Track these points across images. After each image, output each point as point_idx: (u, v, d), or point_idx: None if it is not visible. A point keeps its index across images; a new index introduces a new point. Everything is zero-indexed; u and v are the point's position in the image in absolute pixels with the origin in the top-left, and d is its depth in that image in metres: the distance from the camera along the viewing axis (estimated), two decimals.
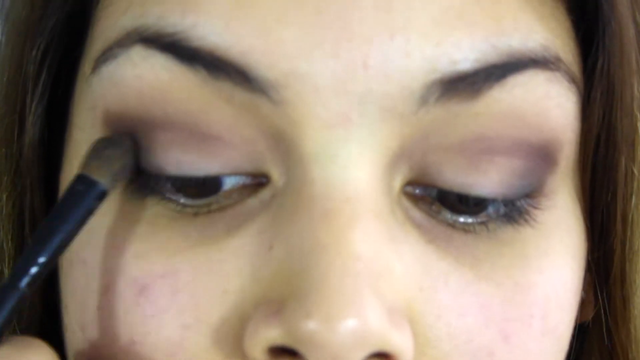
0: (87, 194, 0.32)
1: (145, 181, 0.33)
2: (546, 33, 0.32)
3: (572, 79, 0.33)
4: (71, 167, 0.35)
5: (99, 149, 0.32)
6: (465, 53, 0.31)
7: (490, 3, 0.31)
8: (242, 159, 0.32)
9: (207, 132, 0.32)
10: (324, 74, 0.30)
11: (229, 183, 0.32)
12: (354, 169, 0.31)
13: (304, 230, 0.30)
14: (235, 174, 0.32)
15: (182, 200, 0.32)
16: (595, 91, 0.34)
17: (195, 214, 0.32)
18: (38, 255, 0.30)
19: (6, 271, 0.38)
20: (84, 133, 0.35)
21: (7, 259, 0.38)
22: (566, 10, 0.34)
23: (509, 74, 0.31)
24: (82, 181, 0.32)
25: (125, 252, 0.32)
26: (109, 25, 0.33)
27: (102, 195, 0.32)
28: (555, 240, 0.34)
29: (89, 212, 0.31)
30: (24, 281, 0.30)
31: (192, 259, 0.32)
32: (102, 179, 0.32)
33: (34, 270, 0.30)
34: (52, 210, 0.31)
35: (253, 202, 0.32)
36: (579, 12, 0.34)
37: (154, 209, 0.33)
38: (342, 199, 0.30)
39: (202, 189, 0.32)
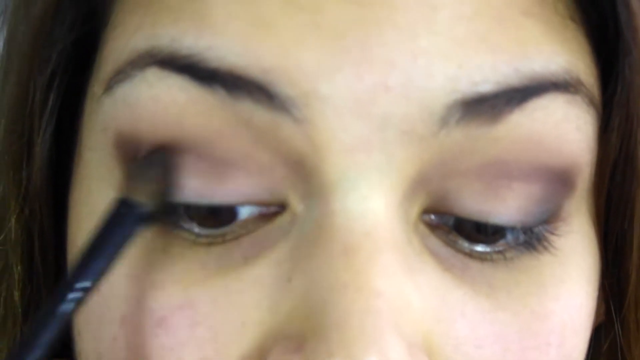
0: (128, 217, 0.31)
1: (158, 209, 0.32)
2: (568, 56, 0.32)
3: (591, 102, 0.33)
4: (82, 188, 0.35)
5: (139, 169, 0.32)
6: (487, 75, 0.30)
7: (514, 27, 0.31)
8: (259, 188, 0.32)
9: (223, 158, 0.31)
10: (345, 97, 0.30)
11: (244, 213, 0.32)
12: (374, 199, 0.30)
13: (324, 266, 0.30)
14: (251, 203, 0.32)
15: (196, 229, 0.32)
16: (614, 118, 0.34)
17: (210, 244, 0.32)
18: (79, 280, 0.30)
19: (16, 294, 0.37)
20: (94, 154, 0.34)
21: (17, 283, 0.37)
22: (587, 35, 0.34)
23: (530, 97, 0.31)
24: (123, 204, 0.31)
25: (142, 282, 0.32)
26: (119, 46, 0.33)
27: (145, 217, 0.31)
28: (572, 266, 0.34)
29: (131, 236, 0.31)
30: (66, 307, 0.30)
31: (210, 289, 0.31)
32: (144, 200, 0.31)
33: (75, 296, 0.30)
34: (92, 234, 0.31)
35: (270, 229, 0.32)
36: (600, 38, 0.34)
37: (167, 237, 0.32)
38: (362, 232, 0.30)
39: (216, 218, 0.32)
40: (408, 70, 0.30)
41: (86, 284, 0.30)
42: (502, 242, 0.32)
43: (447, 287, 0.32)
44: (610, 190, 0.35)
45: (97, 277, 0.30)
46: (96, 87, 0.34)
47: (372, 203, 0.30)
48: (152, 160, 0.32)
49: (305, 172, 0.31)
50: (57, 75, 0.35)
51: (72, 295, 0.30)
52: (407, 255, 0.31)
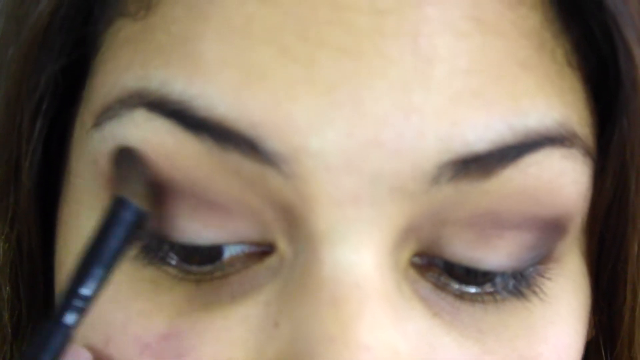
0: (127, 217, 0.31)
1: (146, 244, 0.32)
2: (563, 108, 0.32)
3: (587, 153, 0.32)
4: (70, 212, 0.35)
5: (124, 172, 0.31)
6: (480, 134, 0.30)
7: (510, 81, 0.30)
8: (249, 229, 0.31)
9: (213, 200, 0.31)
10: (336, 152, 0.29)
11: (232, 250, 0.32)
12: (363, 251, 0.30)
13: (311, 315, 0.30)
14: (240, 242, 0.32)
15: (184, 266, 0.32)
16: (610, 164, 0.33)
17: (198, 281, 0.32)
18: (80, 287, 0.30)
19: (5, 315, 0.37)
20: (83, 182, 0.34)
21: (6, 304, 0.37)
22: (585, 79, 0.33)
23: (525, 153, 0.30)
24: (121, 205, 0.31)
25: (128, 308, 0.32)
26: (110, 81, 0.32)
27: (142, 217, 0.31)
28: (562, 306, 0.34)
29: (132, 237, 0.31)
30: (70, 317, 0.30)
31: (196, 323, 0.31)
32: (138, 200, 0.31)
33: (78, 304, 0.30)
34: (92, 236, 0.31)
35: (259, 269, 0.32)
36: (599, 80, 0.33)
37: (156, 272, 0.32)
38: (351, 284, 0.30)
39: (204, 257, 0.32)
40: (400, 128, 0.29)
41: (88, 290, 0.30)
42: (490, 284, 0.32)
43: (436, 333, 0.32)
44: (603, 231, 0.35)
45: (100, 282, 0.30)
46: (86, 116, 0.34)
47: (361, 254, 0.30)
48: (129, 158, 0.31)
49: (293, 221, 0.31)
50: (45, 99, 0.35)
51: (76, 303, 0.30)
52: (396, 304, 0.31)
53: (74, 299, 0.30)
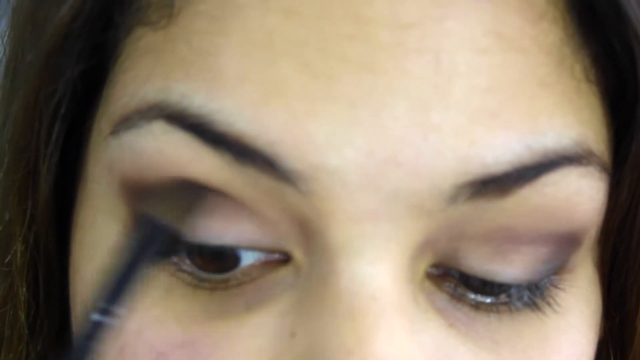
0: (155, 239, 0.31)
1: (161, 250, 0.32)
2: (580, 126, 0.32)
3: (604, 169, 0.32)
4: (85, 217, 0.35)
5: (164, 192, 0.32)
6: (498, 155, 0.30)
7: (528, 99, 0.30)
8: (265, 237, 0.31)
9: (229, 207, 0.31)
10: (354, 170, 0.29)
11: (247, 259, 0.32)
12: (380, 264, 0.30)
13: (328, 327, 0.30)
14: (255, 249, 0.32)
15: (199, 274, 0.32)
16: (625, 178, 0.33)
17: (213, 289, 0.32)
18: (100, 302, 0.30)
19: (22, 315, 0.38)
20: (100, 187, 0.34)
21: (22, 305, 0.38)
22: (602, 93, 0.33)
23: (542, 173, 0.31)
24: (149, 226, 0.31)
25: (142, 316, 0.32)
26: (129, 91, 0.32)
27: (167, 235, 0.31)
28: (575, 316, 0.34)
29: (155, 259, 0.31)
30: (97, 332, 0.30)
31: (211, 332, 0.32)
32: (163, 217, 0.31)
33: (106, 320, 0.30)
34: (120, 256, 0.31)
35: (274, 279, 0.32)
36: (618, 94, 0.33)
37: (170, 277, 0.32)
38: (368, 296, 0.30)
39: (219, 263, 0.32)
40: (419, 147, 0.29)
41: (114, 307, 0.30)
42: (505, 295, 0.33)
43: (452, 344, 0.32)
44: (617, 242, 0.35)
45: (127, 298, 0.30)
46: (103, 123, 0.34)
47: (378, 267, 0.30)
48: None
49: (310, 234, 0.31)
50: (64, 104, 0.35)
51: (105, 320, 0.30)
52: (412, 316, 0.31)
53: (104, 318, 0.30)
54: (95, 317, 0.30)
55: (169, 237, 0.31)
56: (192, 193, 0.31)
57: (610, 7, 0.32)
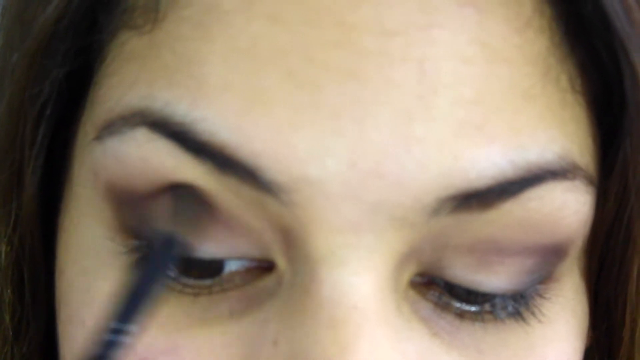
0: (169, 252, 0.31)
1: (144, 255, 0.32)
2: (564, 140, 0.31)
3: (590, 182, 0.32)
4: (71, 219, 0.35)
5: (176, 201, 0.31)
6: (481, 169, 0.30)
7: (511, 113, 0.30)
8: (249, 246, 0.31)
9: (213, 218, 0.31)
10: (336, 181, 0.29)
11: (232, 265, 0.32)
12: (363, 273, 0.30)
13: (310, 336, 0.30)
14: (239, 257, 0.32)
15: (183, 279, 0.32)
16: (612, 185, 0.33)
17: (196, 295, 0.32)
18: (118, 322, 0.30)
19: (6, 317, 0.38)
20: (85, 190, 0.34)
21: (7, 307, 0.38)
22: (588, 103, 0.33)
23: (526, 188, 0.30)
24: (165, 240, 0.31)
25: None
26: (114, 97, 0.32)
27: (178, 247, 0.31)
28: (560, 325, 0.34)
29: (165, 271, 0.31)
30: (112, 352, 0.29)
31: (194, 339, 0.32)
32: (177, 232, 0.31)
33: (122, 339, 0.29)
34: (133, 274, 0.30)
35: (258, 287, 0.32)
36: (602, 102, 0.33)
37: None
38: (350, 305, 0.30)
39: (203, 270, 0.32)
40: (402, 160, 0.29)
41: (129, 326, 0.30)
42: (489, 304, 0.32)
43: (435, 353, 0.32)
44: (604, 251, 0.35)
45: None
46: (88, 126, 0.34)
47: (360, 277, 0.30)
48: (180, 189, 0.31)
49: (292, 243, 0.31)
50: (49, 105, 0.35)
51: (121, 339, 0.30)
52: (395, 325, 0.31)
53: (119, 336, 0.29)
54: (111, 337, 0.29)
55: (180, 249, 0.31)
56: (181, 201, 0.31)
57: (597, 15, 0.31)
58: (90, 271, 0.33)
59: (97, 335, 0.29)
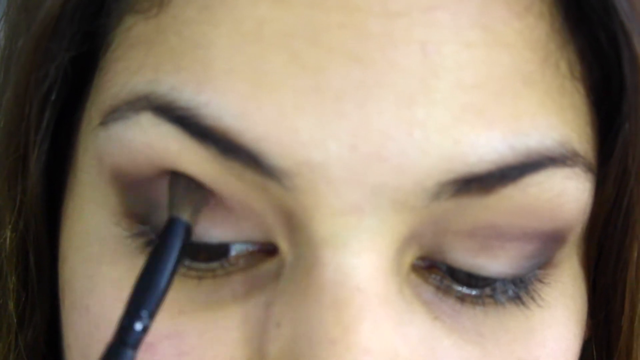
0: (179, 236, 0.31)
1: (150, 240, 0.33)
2: (564, 127, 0.32)
3: (589, 169, 0.32)
4: (74, 206, 0.35)
5: (176, 186, 0.32)
6: (482, 154, 0.30)
7: (511, 99, 0.30)
8: (253, 229, 0.32)
9: (218, 202, 0.31)
10: (338, 165, 0.30)
11: (236, 249, 0.32)
12: (365, 255, 0.30)
13: (313, 317, 0.30)
14: (243, 241, 0.32)
15: (187, 262, 0.32)
16: (611, 171, 0.33)
17: (200, 278, 0.32)
18: (141, 309, 0.30)
19: (10, 304, 0.38)
20: (89, 176, 0.34)
21: (11, 293, 0.38)
22: (587, 89, 0.33)
23: (526, 173, 0.31)
24: (174, 225, 0.31)
25: None
26: (119, 82, 0.32)
27: (188, 231, 0.31)
28: (559, 310, 0.34)
29: (181, 254, 0.31)
30: (132, 338, 0.30)
31: (198, 323, 0.32)
32: (185, 215, 0.31)
33: (139, 327, 0.30)
34: (149, 258, 0.31)
35: (261, 269, 0.32)
36: (602, 88, 0.33)
37: None
38: (353, 287, 0.30)
39: (207, 253, 0.32)
40: (403, 143, 0.29)
41: (145, 313, 0.30)
42: (490, 289, 0.33)
43: (436, 336, 0.32)
44: (603, 238, 0.35)
45: (157, 304, 0.30)
46: (93, 112, 0.34)
47: (363, 259, 0.30)
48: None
49: (295, 226, 0.31)
50: (54, 90, 0.35)
51: (138, 326, 0.30)
52: (397, 308, 0.31)
53: (135, 322, 0.30)
54: (138, 325, 0.30)
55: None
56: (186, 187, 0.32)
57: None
58: (95, 257, 0.34)
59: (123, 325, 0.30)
